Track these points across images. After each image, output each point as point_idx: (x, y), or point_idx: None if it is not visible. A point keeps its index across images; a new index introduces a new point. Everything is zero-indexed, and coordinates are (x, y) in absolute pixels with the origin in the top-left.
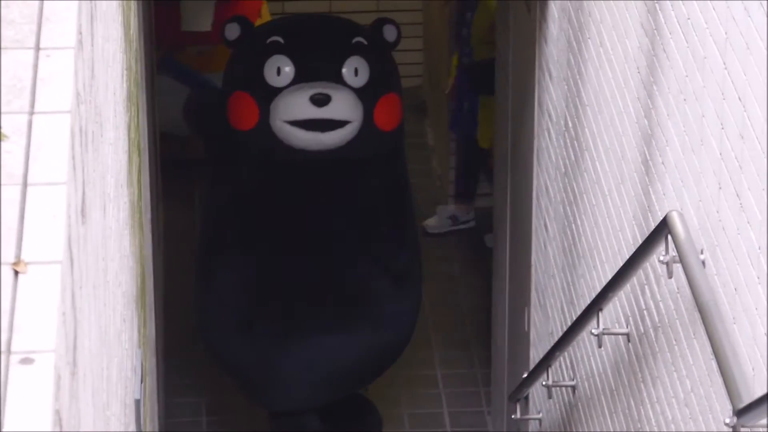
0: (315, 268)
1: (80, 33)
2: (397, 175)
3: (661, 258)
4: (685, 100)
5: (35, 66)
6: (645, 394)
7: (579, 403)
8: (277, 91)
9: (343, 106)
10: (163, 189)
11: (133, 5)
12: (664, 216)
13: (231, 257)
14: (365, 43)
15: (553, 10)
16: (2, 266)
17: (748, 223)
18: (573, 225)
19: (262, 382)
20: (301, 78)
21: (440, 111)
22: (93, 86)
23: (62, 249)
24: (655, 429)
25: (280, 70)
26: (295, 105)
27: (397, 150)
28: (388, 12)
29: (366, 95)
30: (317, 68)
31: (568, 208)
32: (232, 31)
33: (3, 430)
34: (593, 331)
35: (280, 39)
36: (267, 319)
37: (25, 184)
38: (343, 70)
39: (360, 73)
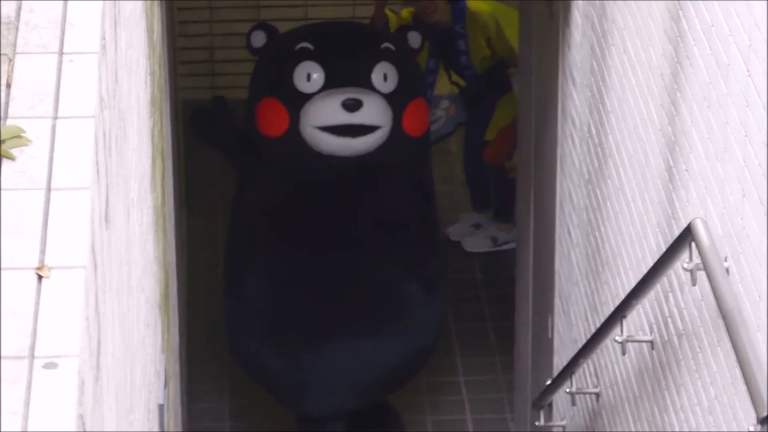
0: (346, 274)
1: (104, 38)
2: (424, 180)
3: (685, 265)
4: (708, 107)
5: (59, 71)
6: (669, 402)
7: (603, 411)
8: (307, 97)
9: (374, 112)
10: (187, 194)
11: (157, 10)
12: (687, 223)
13: (261, 264)
14: (393, 48)
15: (577, 16)
16: (26, 271)
17: None
18: (597, 232)
19: (294, 388)
20: (331, 84)
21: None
22: (117, 91)
23: (86, 254)
24: None
25: (310, 76)
26: (327, 110)
27: (424, 155)
28: None
29: (395, 101)
30: (347, 74)
31: (591, 214)
32: (258, 39)
33: None
34: (617, 338)
35: (309, 45)
36: (299, 325)
37: (48, 189)
38: (373, 76)
39: (389, 79)
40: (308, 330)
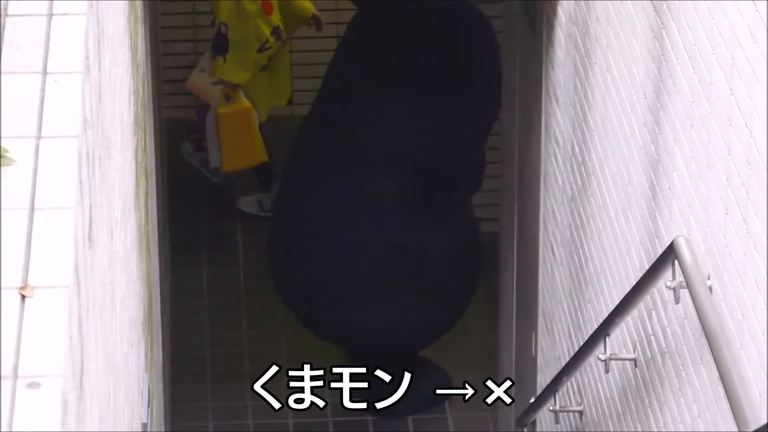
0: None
1: (87, 58)
2: None
3: (668, 283)
4: (691, 125)
5: (42, 90)
6: (652, 420)
7: (586, 429)
8: None
9: None
10: (171, 213)
11: (141, 30)
12: (671, 241)
13: None
14: None
15: (560, 35)
16: (9, 290)
17: (755, 248)
18: (580, 250)
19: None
20: None
21: None
22: (100, 111)
23: (69, 273)
24: None
25: None
26: None
27: None
28: None
29: None
30: None
31: (575, 232)
32: None
33: None
34: (600, 356)
35: None
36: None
37: (32, 209)
38: None
39: None
40: None
